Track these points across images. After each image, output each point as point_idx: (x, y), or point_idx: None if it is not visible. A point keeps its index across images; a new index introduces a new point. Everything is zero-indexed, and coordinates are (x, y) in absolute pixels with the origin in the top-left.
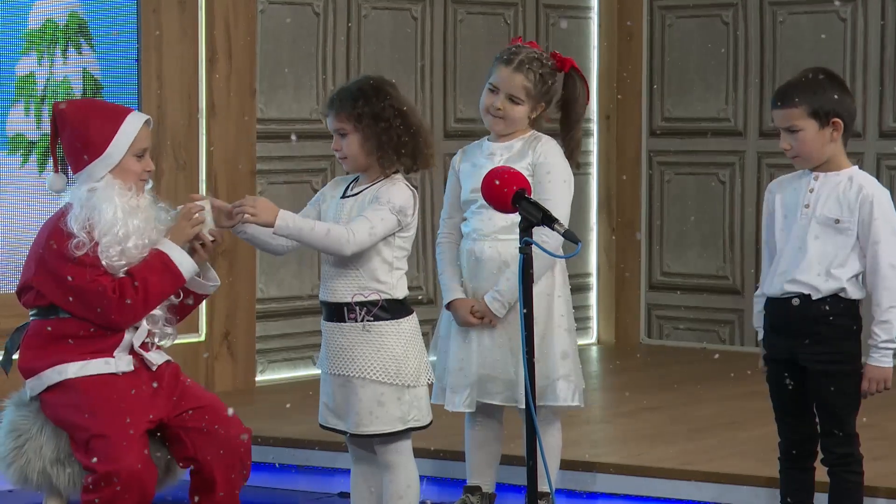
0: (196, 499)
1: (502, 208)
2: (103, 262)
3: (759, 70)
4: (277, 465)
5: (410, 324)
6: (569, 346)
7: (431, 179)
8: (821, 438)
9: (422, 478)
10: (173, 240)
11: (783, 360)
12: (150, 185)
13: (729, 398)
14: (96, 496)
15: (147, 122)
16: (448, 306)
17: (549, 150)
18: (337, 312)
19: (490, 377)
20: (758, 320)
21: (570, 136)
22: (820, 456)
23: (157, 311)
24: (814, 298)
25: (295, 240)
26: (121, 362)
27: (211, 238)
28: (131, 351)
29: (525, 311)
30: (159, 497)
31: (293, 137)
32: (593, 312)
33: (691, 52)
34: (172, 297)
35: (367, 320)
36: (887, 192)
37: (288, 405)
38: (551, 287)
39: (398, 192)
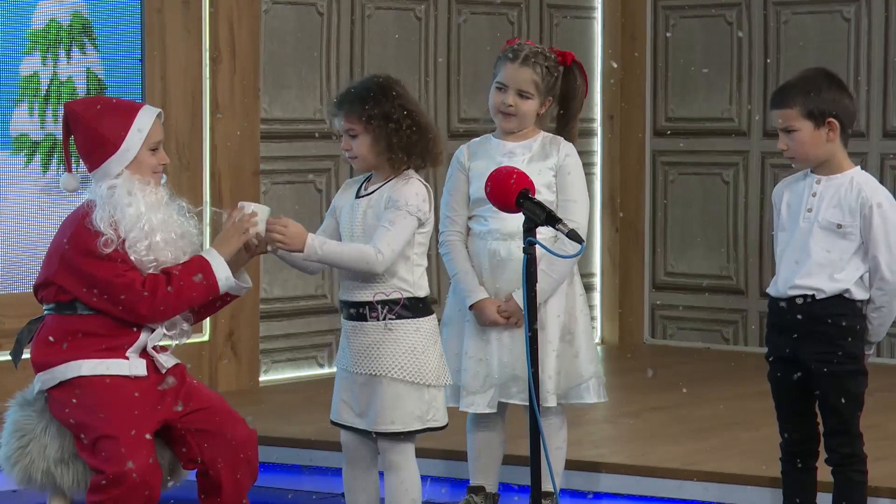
0: (204, 500)
1: (505, 208)
2: (132, 258)
3: (763, 70)
4: (279, 466)
5: (430, 324)
6: (592, 343)
7: (435, 178)
8: (825, 438)
9: (424, 478)
10: (219, 249)
11: (786, 359)
12: (164, 178)
13: (733, 398)
14: (103, 497)
15: (159, 115)
16: (472, 307)
17: (572, 152)
18: (359, 312)
19: (512, 376)
20: None
21: (567, 130)
22: (823, 456)
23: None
24: (818, 298)
25: (324, 264)
26: (134, 365)
27: (255, 243)
28: (143, 352)
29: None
30: (164, 498)
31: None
32: (597, 312)
33: (695, 52)
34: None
35: (389, 319)
36: (888, 194)
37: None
38: (574, 286)
39: (412, 191)
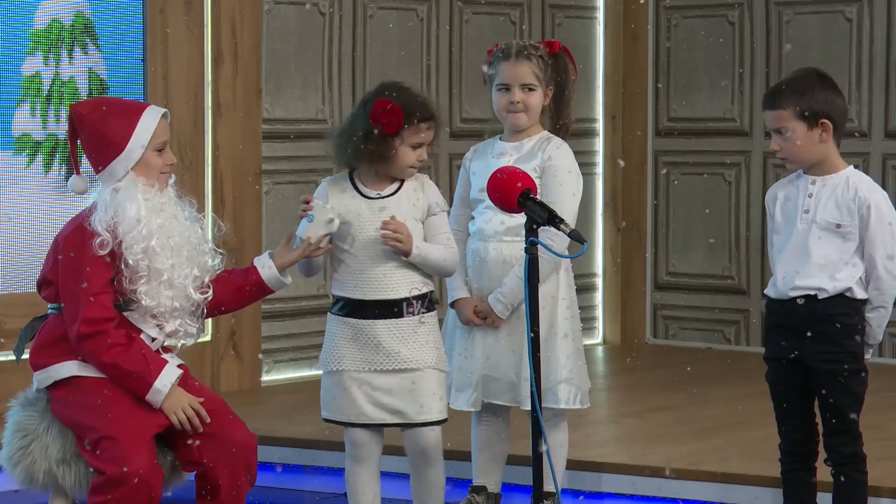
0: (201, 503)
1: (508, 208)
2: (129, 261)
3: (765, 70)
4: (280, 468)
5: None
6: (571, 348)
7: (438, 177)
8: (825, 438)
9: None
10: (278, 261)
11: (785, 359)
12: (172, 178)
13: (735, 398)
14: (104, 498)
15: (165, 115)
16: (452, 304)
17: (558, 152)
18: (394, 310)
19: (492, 378)
20: None
21: (563, 117)
22: (822, 455)
23: (182, 305)
24: (819, 298)
25: (419, 265)
26: None
27: (310, 243)
28: None
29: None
30: (165, 499)
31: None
32: (599, 312)
33: (697, 52)
34: (209, 292)
35: (422, 312)
36: (884, 193)
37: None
38: (555, 290)
39: (435, 190)
